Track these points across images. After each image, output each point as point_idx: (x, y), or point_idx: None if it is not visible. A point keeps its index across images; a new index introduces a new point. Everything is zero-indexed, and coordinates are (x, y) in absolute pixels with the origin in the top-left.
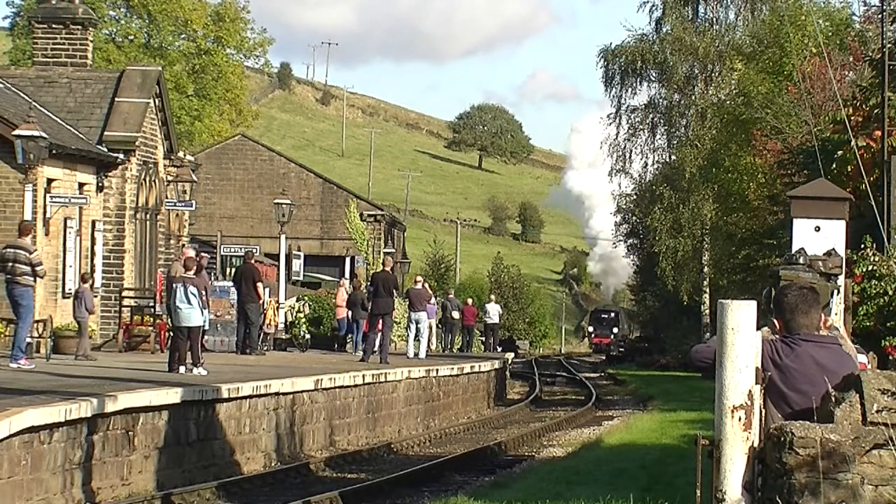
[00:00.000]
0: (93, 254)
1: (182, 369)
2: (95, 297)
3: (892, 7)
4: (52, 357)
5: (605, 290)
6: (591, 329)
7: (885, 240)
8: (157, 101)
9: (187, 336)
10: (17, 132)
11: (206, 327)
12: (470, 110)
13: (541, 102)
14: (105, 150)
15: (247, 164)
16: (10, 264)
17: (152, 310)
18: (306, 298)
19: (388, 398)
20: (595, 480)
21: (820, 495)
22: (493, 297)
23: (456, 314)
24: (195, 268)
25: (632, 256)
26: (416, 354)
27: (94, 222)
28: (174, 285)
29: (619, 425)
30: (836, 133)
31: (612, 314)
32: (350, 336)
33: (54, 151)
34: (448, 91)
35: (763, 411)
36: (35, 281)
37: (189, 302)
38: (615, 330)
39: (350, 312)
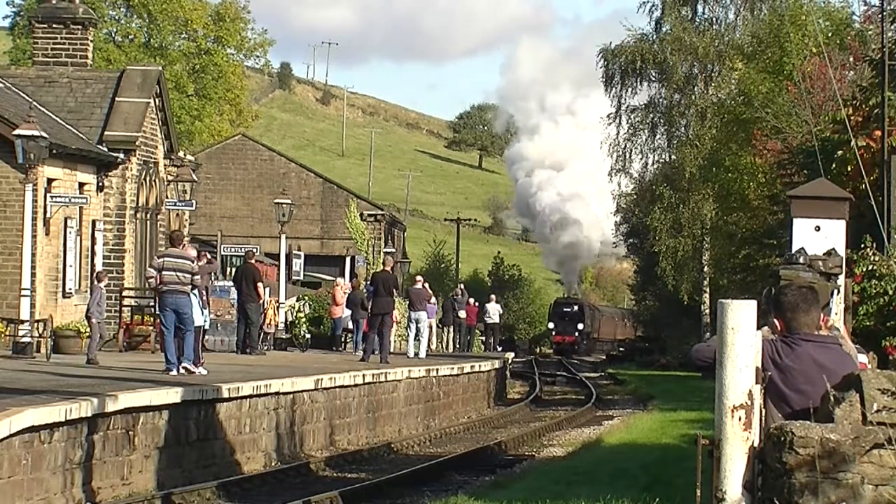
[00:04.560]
0: (93, 254)
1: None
2: None
3: (892, 7)
4: (52, 357)
5: (566, 265)
6: (551, 325)
7: (885, 240)
8: (157, 100)
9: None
10: (17, 132)
11: (207, 327)
12: (470, 110)
13: None
14: (105, 149)
15: (247, 163)
16: (173, 273)
17: (152, 309)
18: (306, 298)
19: (388, 398)
20: (595, 480)
21: (820, 495)
22: (493, 296)
23: (462, 314)
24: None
25: (631, 256)
26: (417, 354)
27: (94, 222)
28: None
29: (619, 425)
30: (836, 133)
31: (576, 307)
32: (350, 335)
33: (54, 151)
34: (448, 91)
35: (763, 411)
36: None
37: (190, 302)
38: (580, 326)
39: (350, 312)
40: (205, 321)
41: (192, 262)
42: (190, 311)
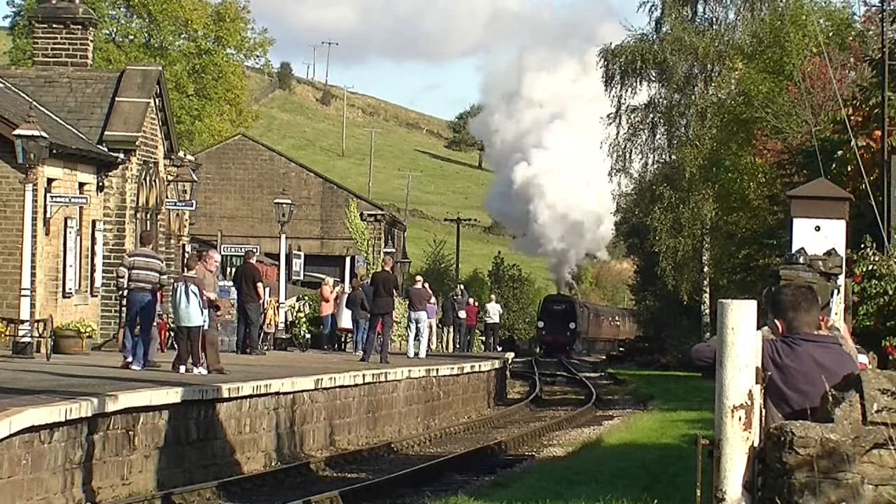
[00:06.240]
0: (93, 254)
1: (182, 368)
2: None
3: (892, 7)
4: (52, 357)
5: (555, 254)
6: (541, 324)
7: (885, 240)
8: (157, 100)
9: (187, 335)
10: (17, 132)
11: (207, 327)
12: (470, 110)
13: None
14: (105, 149)
15: (247, 163)
16: (142, 272)
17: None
18: (306, 298)
19: (388, 398)
20: (595, 480)
21: (820, 495)
22: (493, 296)
23: (462, 314)
24: (196, 265)
25: (632, 256)
26: (417, 354)
27: (94, 222)
28: (175, 284)
29: (619, 425)
30: (836, 133)
31: (566, 305)
32: (349, 335)
33: (55, 151)
34: (448, 91)
35: (763, 411)
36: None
37: (189, 302)
38: (571, 325)
39: (350, 312)
40: (205, 321)
41: (162, 261)
42: (153, 310)
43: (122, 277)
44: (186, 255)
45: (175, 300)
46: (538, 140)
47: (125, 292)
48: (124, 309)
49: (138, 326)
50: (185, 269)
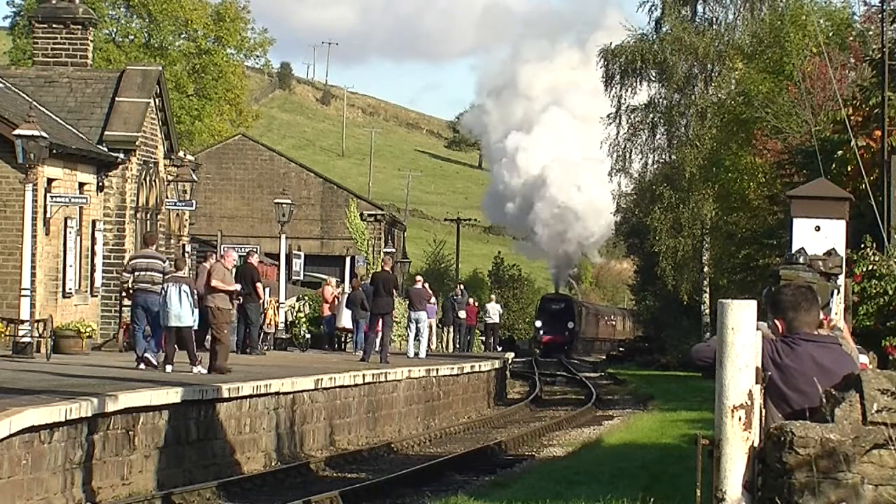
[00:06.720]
0: (93, 254)
1: (169, 368)
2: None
3: (892, 7)
4: (52, 357)
5: (553, 248)
6: (538, 324)
7: (885, 240)
8: (157, 100)
9: (176, 335)
10: (17, 132)
11: (196, 327)
12: (470, 110)
13: None
14: (105, 149)
15: (247, 163)
16: (145, 273)
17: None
18: (306, 298)
19: (388, 398)
20: (595, 480)
21: (820, 495)
22: (493, 296)
23: (462, 314)
24: (185, 266)
25: (631, 256)
26: (417, 354)
27: (94, 222)
28: (166, 285)
29: (619, 425)
30: (836, 133)
31: (563, 304)
32: (350, 335)
33: (55, 151)
34: (448, 91)
35: (763, 411)
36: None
37: (181, 302)
38: (570, 325)
39: (350, 312)
40: (195, 321)
41: (164, 261)
42: (158, 309)
43: (126, 283)
44: (176, 258)
45: (166, 301)
46: (531, 131)
47: (130, 292)
48: (126, 311)
49: (148, 326)
50: (175, 270)
